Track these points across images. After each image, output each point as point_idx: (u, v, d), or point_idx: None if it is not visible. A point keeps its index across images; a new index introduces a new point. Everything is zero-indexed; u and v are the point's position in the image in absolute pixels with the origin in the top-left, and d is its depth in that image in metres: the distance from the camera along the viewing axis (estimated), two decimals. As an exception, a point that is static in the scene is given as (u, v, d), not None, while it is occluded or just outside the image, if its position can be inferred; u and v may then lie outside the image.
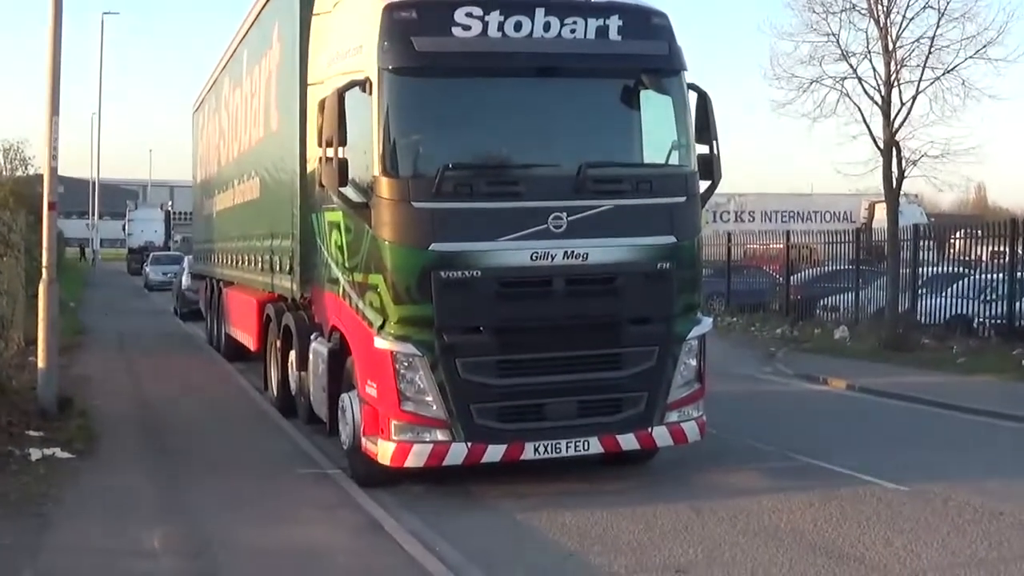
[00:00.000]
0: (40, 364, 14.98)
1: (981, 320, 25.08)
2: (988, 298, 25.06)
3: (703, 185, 12.00)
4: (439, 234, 10.79)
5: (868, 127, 26.00)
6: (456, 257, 10.82)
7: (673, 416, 11.82)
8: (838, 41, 26.57)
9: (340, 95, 10.98)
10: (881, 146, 25.88)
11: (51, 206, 14.94)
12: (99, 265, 70.62)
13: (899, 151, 25.81)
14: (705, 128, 11.77)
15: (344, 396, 12.30)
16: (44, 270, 15.06)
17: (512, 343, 11.10)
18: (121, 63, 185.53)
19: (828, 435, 15.76)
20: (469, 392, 11.04)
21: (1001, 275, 24.69)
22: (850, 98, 26.37)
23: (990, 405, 17.87)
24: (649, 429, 11.66)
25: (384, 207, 10.88)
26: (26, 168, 57.29)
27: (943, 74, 25.68)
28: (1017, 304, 23.92)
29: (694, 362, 12.03)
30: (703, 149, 11.82)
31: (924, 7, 25.64)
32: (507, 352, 11.11)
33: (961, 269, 27.27)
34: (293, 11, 14.25)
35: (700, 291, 12.43)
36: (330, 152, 11.03)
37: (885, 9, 25.91)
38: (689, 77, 11.90)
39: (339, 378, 12.55)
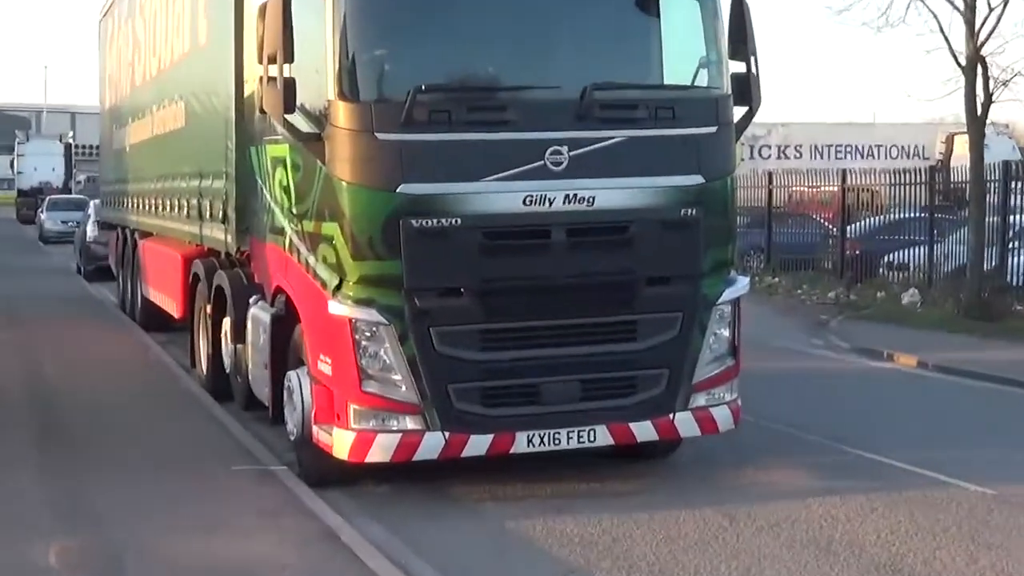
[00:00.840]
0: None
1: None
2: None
3: (738, 112, 12.02)
4: (409, 173, 10.83)
5: (946, 39, 25.95)
6: (430, 201, 10.88)
7: (700, 399, 11.89)
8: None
9: (285, -1, 10.92)
10: (963, 63, 25.78)
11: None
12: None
13: (986, 69, 25.74)
14: (741, 41, 11.83)
15: (291, 374, 12.21)
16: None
17: (500, 308, 11.19)
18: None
19: (894, 424, 15.65)
20: (447, 369, 11.10)
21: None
22: (923, 2, 26.26)
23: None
24: (670, 415, 11.74)
25: (341, 139, 10.90)
26: None
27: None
28: None
29: (726, 332, 12.06)
30: (738, 67, 11.90)
31: None
32: (494, 319, 11.20)
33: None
34: None
35: (734, 244, 12.44)
36: (274, 70, 11.05)
37: None
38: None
39: (285, 352, 12.54)
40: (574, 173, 11.11)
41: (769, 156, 61.18)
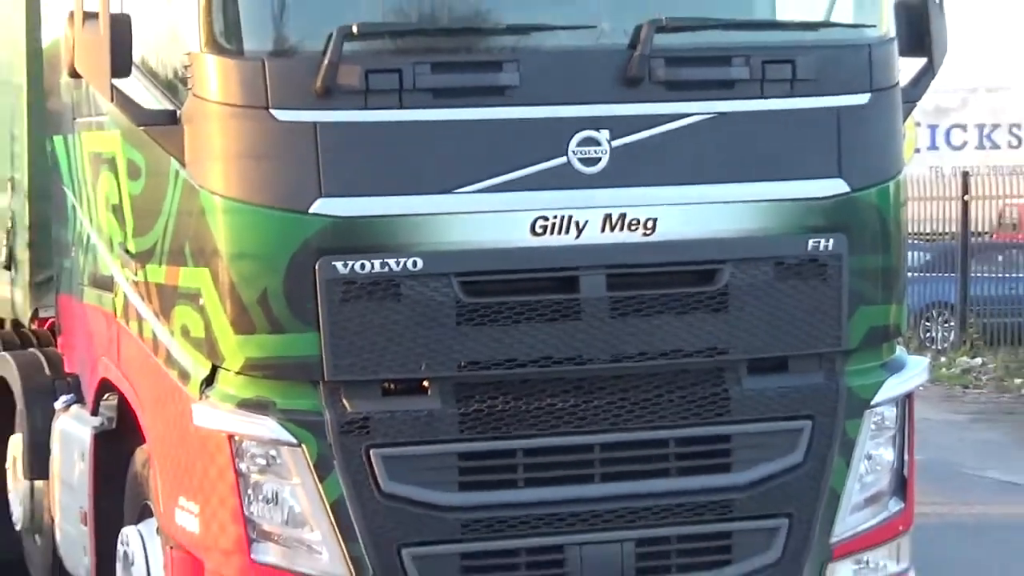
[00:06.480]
0: None
1: None
2: None
3: (907, 68, 10.12)
4: (332, 179, 8.92)
5: None
6: (369, 229, 8.99)
7: (844, 571, 9.88)
8: None
9: None
10: None
11: None
12: None
13: None
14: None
15: (128, 532, 10.06)
16: None
17: (492, 415, 9.17)
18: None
19: None
20: (400, 522, 9.11)
21: None
22: None
23: None
24: (793, 603, 9.96)
25: (214, 121, 9.02)
26: None
27: None
28: None
29: (889, 454, 10.02)
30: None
31: None
32: (482, 434, 9.15)
33: None
34: None
35: (902, 300, 10.25)
36: (92, 2, 9.11)
37: None
38: None
39: (116, 493, 10.46)
40: (620, 177, 9.16)
41: (964, 144, 52.85)
